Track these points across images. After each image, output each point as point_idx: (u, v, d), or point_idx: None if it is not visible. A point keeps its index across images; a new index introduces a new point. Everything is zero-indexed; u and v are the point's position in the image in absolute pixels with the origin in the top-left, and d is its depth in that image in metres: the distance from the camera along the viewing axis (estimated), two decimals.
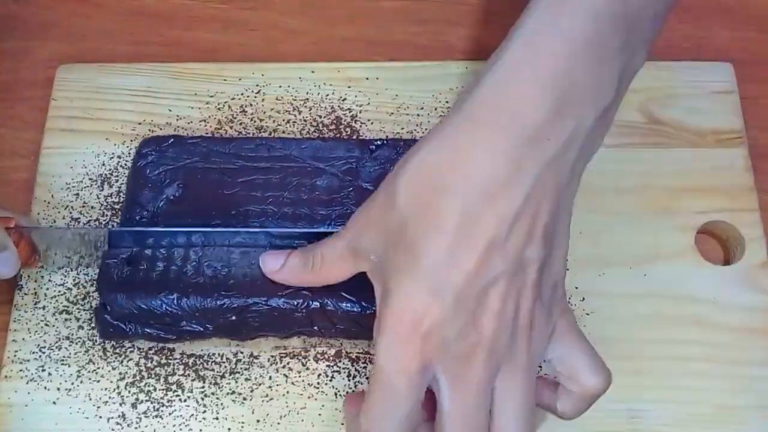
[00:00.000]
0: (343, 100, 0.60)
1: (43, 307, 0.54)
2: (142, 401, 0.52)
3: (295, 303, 0.50)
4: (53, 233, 0.53)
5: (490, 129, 0.40)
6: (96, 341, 0.53)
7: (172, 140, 0.56)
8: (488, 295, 0.40)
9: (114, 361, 0.52)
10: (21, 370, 0.52)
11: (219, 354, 0.53)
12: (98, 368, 0.52)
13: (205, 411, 0.51)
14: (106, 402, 0.52)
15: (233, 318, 0.51)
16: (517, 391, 0.42)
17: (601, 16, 0.40)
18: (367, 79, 0.61)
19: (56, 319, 0.54)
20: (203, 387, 0.52)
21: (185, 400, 0.52)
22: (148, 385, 0.52)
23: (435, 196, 0.40)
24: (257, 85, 0.61)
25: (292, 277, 0.49)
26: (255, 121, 0.59)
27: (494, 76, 0.40)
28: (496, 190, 0.39)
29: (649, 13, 0.41)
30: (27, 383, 0.52)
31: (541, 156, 0.39)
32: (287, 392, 0.52)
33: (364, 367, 0.52)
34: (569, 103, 0.39)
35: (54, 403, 0.52)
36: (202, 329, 0.52)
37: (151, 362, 0.53)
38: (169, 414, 0.51)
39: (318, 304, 0.50)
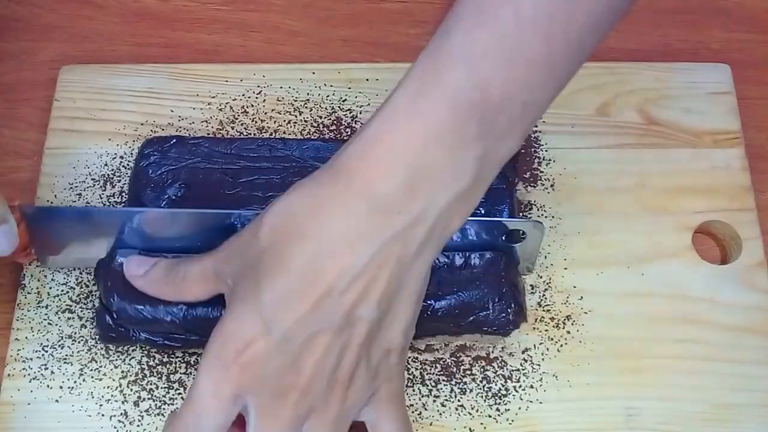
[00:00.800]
0: (344, 101, 0.60)
1: (46, 306, 0.54)
2: (144, 399, 0.52)
3: None
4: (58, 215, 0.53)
5: (347, 191, 0.41)
6: (98, 340, 0.53)
7: (174, 140, 0.56)
8: (314, 342, 0.42)
9: (116, 360, 0.53)
10: (24, 369, 0.53)
11: None
12: (101, 366, 0.53)
13: None
14: (109, 400, 0.52)
15: None
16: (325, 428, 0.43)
17: (457, 104, 0.40)
18: (367, 80, 0.61)
19: (59, 317, 0.54)
20: None
21: None
22: (151, 384, 0.52)
23: (289, 239, 0.42)
24: (258, 86, 0.61)
25: (151, 287, 0.50)
26: (256, 122, 0.60)
27: (360, 141, 0.41)
28: (341, 248, 0.41)
29: (517, 102, 0.41)
30: (30, 381, 0.52)
31: (387, 226, 0.41)
32: None
33: None
34: (421, 182, 0.40)
35: (56, 401, 0.52)
36: (207, 338, 0.52)
37: (153, 360, 0.53)
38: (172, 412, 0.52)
39: None
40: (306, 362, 0.42)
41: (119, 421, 0.51)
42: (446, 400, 0.52)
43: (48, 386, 0.52)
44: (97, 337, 0.53)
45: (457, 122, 0.40)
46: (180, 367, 0.53)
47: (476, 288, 0.51)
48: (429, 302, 0.50)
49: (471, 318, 0.51)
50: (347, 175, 0.41)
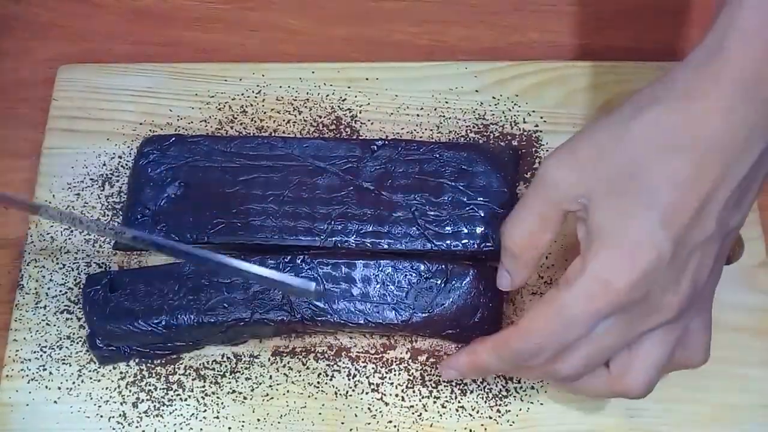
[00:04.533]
0: (343, 100, 0.60)
1: (44, 307, 0.54)
2: (143, 400, 0.52)
3: (278, 317, 0.51)
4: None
5: (730, 99, 0.41)
6: (98, 362, 0.53)
7: (173, 139, 0.56)
8: (692, 257, 0.42)
9: None
10: (22, 370, 0.52)
11: (219, 353, 0.53)
12: (99, 367, 0.52)
13: (205, 410, 0.51)
14: (107, 401, 0.52)
15: (222, 333, 0.52)
16: (667, 346, 0.44)
17: None
18: (367, 79, 0.61)
19: (57, 318, 0.54)
20: (204, 386, 0.52)
21: (186, 400, 0.52)
22: (149, 385, 0.52)
23: (671, 151, 0.41)
24: (258, 86, 0.61)
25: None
26: (255, 122, 0.59)
27: (738, 46, 0.42)
28: (728, 158, 0.41)
29: None
30: (28, 383, 0.52)
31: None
32: (287, 391, 0.52)
33: (364, 366, 0.53)
34: None
35: (55, 402, 0.52)
36: (192, 343, 0.52)
37: (152, 362, 0.53)
38: (170, 413, 0.51)
39: (299, 317, 0.51)
40: (683, 280, 0.42)
41: (118, 422, 0.51)
42: (447, 401, 0.52)
43: (46, 387, 0.52)
44: (97, 360, 0.53)
45: None
46: (179, 369, 0.52)
47: (453, 304, 0.51)
48: (405, 316, 0.51)
49: (444, 333, 0.52)
50: (730, 83, 0.41)
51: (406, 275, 0.52)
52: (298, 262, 0.52)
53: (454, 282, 0.52)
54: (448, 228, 0.53)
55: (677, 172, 0.41)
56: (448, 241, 0.53)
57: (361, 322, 0.51)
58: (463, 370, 0.48)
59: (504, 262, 0.48)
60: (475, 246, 0.53)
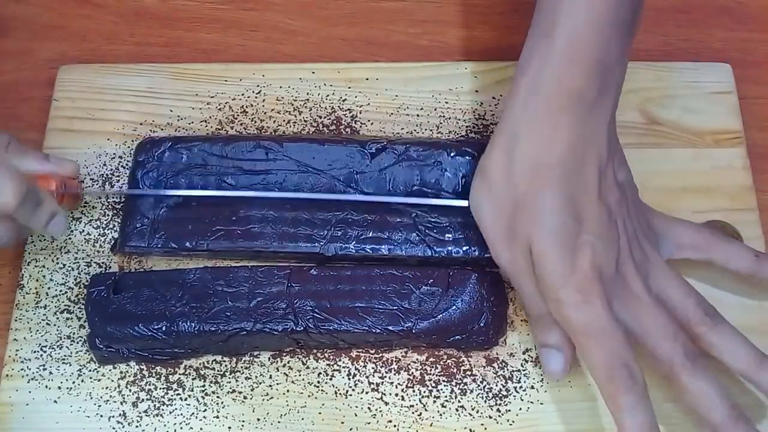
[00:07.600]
0: (344, 100, 0.60)
1: (45, 306, 0.54)
2: (143, 400, 0.52)
3: (281, 327, 0.51)
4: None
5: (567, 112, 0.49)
6: (97, 363, 0.53)
7: (169, 144, 0.56)
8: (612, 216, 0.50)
9: None
10: (22, 369, 0.52)
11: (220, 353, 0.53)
12: (99, 367, 0.52)
13: (205, 410, 0.51)
14: (107, 401, 0.52)
15: (222, 342, 0.52)
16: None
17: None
18: (367, 79, 0.61)
19: (57, 318, 0.54)
20: (204, 386, 0.52)
21: (186, 399, 0.52)
22: (149, 384, 0.52)
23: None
24: (258, 86, 0.61)
25: None
26: (255, 122, 0.59)
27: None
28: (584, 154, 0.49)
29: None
30: (28, 382, 0.52)
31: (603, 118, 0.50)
32: (287, 391, 0.52)
33: (364, 366, 0.53)
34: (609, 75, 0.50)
35: (55, 401, 0.52)
36: (192, 351, 0.52)
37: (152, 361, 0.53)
38: (170, 413, 0.51)
39: (302, 327, 0.51)
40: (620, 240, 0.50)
41: (118, 422, 0.51)
42: (446, 400, 0.52)
43: (46, 387, 0.52)
44: (96, 360, 0.52)
45: (619, 14, 0.50)
46: (179, 368, 0.52)
47: (457, 310, 0.51)
48: (408, 323, 0.51)
49: (450, 339, 0.52)
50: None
51: (407, 282, 0.52)
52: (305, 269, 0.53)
53: (456, 287, 0.52)
54: (448, 234, 0.53)
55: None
56: (449, 248, 0.53)
57: (366, 329, 0.51)
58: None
59: (548, 340, 0.50)
60: (476, 253, 0.53)
